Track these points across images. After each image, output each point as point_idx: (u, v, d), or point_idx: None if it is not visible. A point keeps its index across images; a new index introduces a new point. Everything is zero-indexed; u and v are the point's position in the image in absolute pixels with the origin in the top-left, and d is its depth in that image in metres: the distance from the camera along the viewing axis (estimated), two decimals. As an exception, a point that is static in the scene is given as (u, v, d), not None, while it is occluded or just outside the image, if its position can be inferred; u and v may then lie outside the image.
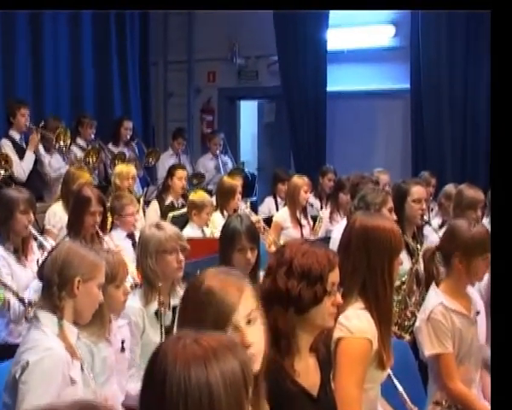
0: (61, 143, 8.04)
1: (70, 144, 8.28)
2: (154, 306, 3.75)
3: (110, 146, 9.27)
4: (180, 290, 3.88)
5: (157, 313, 3.69)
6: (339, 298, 2.54)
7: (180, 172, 7.68)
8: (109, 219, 5.83)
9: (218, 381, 1.46)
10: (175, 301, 3.83)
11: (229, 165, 10.10)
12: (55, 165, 8.19)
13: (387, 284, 2.91)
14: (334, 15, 9.86)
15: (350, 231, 3.04)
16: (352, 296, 2.91)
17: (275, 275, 2.48)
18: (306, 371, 2.53)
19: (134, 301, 3.74)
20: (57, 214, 6.17)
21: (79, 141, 8.91)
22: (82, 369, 2.96)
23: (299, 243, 2.57)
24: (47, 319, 2.89)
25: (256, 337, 2.03)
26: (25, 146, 7.98)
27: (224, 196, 6.90)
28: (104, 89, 10.41)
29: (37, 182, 8.09)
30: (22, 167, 7.71)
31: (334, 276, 2.52)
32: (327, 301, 2.50)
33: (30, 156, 7.85)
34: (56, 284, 2.91)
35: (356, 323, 2.85)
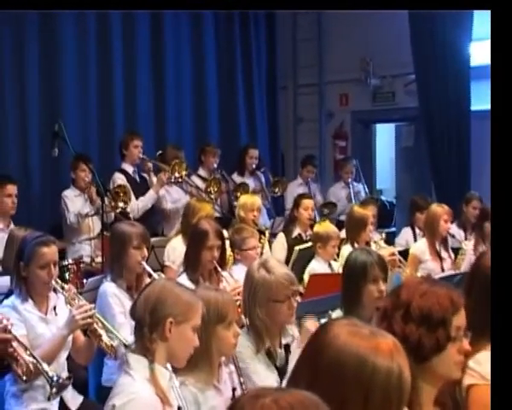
0: (176, 174, 8.12)
1: (189, 175, 8.36)
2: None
3: (235, 176, 9.36)
4: (290, 328, 3.85)
5: (268, 354, 3.68)
6: (466, 345, 2.40)
7: (306, 202, 7.61)
8: (230, 254, 5.85)
9: None
10: (286, 339, 3.80)
11: (362, 193, 9.94)
12: (174, 196, 8.33)
13: None
14: (479, 28, 9.51)
15: (475, 267, 2.90)
16: (482, 339, 2.71)
17: (390, 319, 2.36)
18: (430, 428, 2.39)
19: (242, 345, 3.65)
20: (177, 249, 6.18)
21: (201, 171, 9.02)
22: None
23: (417, 283, 2.44)
24: (137, 362, 2.87)
25: None
26: (138, 179, 8.14)
27: (354, 228, 6.78)
28: (229, 115, 10.55)
29: (155, 215, 8.26)
30: (138, 205, 7.86)
31: (460, 319, 2.38)
32: (451, 348, 2.37)
33: (151, 196, 8.00)
34: (147, 325, 2.87)
35: (489, 367, 2.64)
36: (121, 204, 7.46)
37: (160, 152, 8.55)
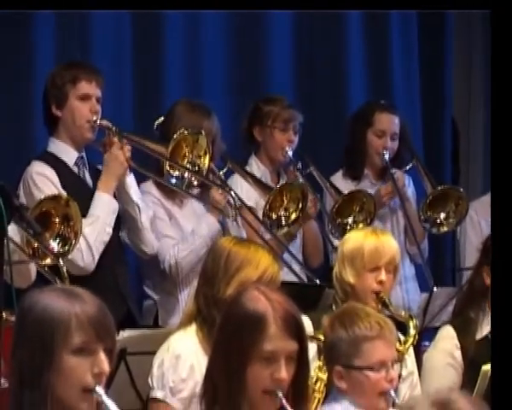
0: (187, 166, 8.41)
1: (208, 171, 8.56)
2: None
3: (338, 178, 9.82)
4: None
5: None
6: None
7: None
8: (323, 376, 6.22)
9: None
10: None
11: None
12: (183, 225, 8.69)
13: None
14: None
15: None
16: None
17: None
18: None
19: None
20: (184, 361, 6.36)
21: (254, 162, 9.50)
22: None
23: None
24: None
25: None
26: (90, 180, 8.40)
27: None
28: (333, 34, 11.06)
29: (131, 272, 8.81)
30: (85, 237, 7.95)
31: None
32: None
33: (105, 206, 8.22)
34: None
35: None
36: (54, 244, 7.55)
37: (162, 119, 8.89)
